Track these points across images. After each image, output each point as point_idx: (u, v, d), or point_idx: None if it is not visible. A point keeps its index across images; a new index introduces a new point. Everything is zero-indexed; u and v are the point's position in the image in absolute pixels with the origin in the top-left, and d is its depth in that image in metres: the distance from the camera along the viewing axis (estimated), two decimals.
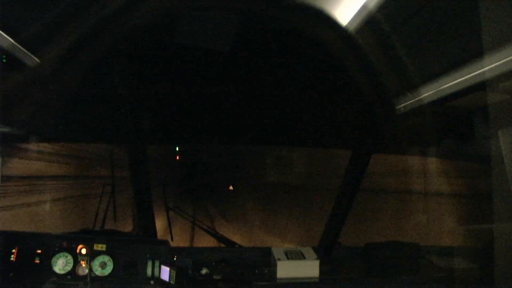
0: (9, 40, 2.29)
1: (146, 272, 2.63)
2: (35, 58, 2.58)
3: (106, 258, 2.61)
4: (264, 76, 3.44)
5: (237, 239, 3.62)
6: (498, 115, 2.34)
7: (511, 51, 2.01)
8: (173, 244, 2.91)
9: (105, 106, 3.40)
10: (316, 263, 2.79)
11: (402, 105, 3.03)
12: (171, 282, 2.55)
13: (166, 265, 2.60)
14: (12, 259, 2.53)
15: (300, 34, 2.93)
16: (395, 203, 4.96)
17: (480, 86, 2.32)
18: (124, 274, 2.62)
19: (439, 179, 4.04)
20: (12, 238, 2.61)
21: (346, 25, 2.57)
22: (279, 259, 2.76)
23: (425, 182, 4.05)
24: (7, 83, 2.57)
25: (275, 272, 2.75)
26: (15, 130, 3.22)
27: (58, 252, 2.59)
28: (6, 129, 2.99)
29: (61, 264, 2.56)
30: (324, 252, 3.17)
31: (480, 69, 2.24)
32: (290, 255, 2.82)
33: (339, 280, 2.92)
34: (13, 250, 2.54)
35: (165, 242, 2.77)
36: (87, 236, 2.76)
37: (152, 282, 2.61)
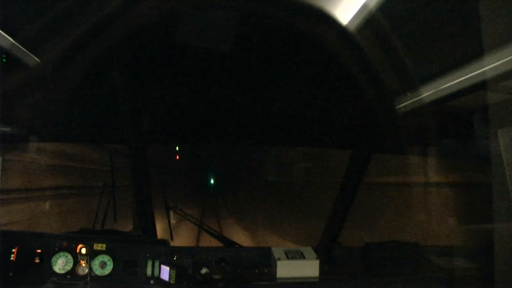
0: (9, 40, 2.29)
1: (146, 272, 2.62)
2: (35, 58, 2.58)
3: (106, 258, 2.61)
4: (264, 75, 3.44)
5: (237, 239, 3.62)
6: (498, 115, 2.34)
7: (511, 51, 2.01)
8: (173, 244, 2.90)
9: (105, 106, 3.40)
10: (316, 263, 2.78)
11: (402, 105, 3.03)
12: (171, 282, 2.55)
13: (166, 265, 2.60)
14: (12, 259, 2.53)
15: (301, 34, 2.93)
16: (394, 203, 4.96)
17: (480, 86, 2.32)
18: (124, 274, 2.62)
19: (438, 179, 4.03)
20: (12, 238, 2.61)
21: (346, 25, 2.57)
22: (279, 259, 2.75)
23: (425, 182, 4.05)
24: (7, 83, 2.57)
25: (275, 272, 2.75)
26: (15, 130, 3.23)
27: (58, 251, 2.59)
28: (6, 129, 2.99)
29: (61, 264, 2.56)
30: (324, 252, 3.17)
31: (480, 69, 2.24)
32: (290, 255, 2.82)
33: (339, 280, 2.92)
34: (13, 250, 2.54)
35: (165, 242, 2.76)
36: (87, 236, 2.75)
37: (152, 281, 2.61)
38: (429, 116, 3.05)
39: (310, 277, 2.75)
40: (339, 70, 3.18)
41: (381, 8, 2.36)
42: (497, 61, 2.08)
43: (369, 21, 2.47)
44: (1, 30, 2.20)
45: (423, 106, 2.87)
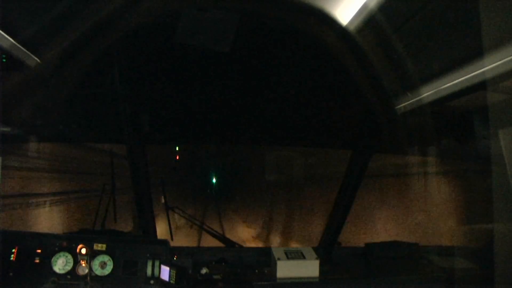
0: (9, 40, 2.29)
1: (146, 272, 2.63)
2: (35, 58, 2.58)
3: (106, 258, 2.61)
4: (265, 76, 3.44)
5: (237, 239, 3.62)
6: (498, 115, 2.34)
7: (511, 51, 2.01)
8: (173, 244, 2.90)
9: (105, 106, 3.40)
10: (316, 263, 2.79)
11: (402, 105, 3.03)
12: (171, 281, 2.55)
13: (166, 265, 2.61)
14: (12, 259, 2.53)
15: (301, 35, 2.93)
16: (394, 203, 4.96)
17: (480, 86, 2.32)
18: (124, 274, 2.62)
19: (438, 178, 4.04)
20: (12, 238, 2.61)
21: (346, 25, 2.57)
22: (279, 259, 2.76)
23: (424, 182, 4.05)
24: (7, 83, 2.57)
25: (275, 272, 2.75)
26: (15, 130, 3.22)
27: (58, 251, 2.60)
28: (6, 129, 2.99)
29: (61, 264, 2.56)
30: (324, 252, 3.17)
31: (480, 69, 2.24)
32: (290, 255, 2.82)
33: (339, 280, 2.92)
34: (13, 250, 2.54)
35: (165, 242, 2.77)
36: (87, 236, 2.76)
37: (152, 281, 2.61)
38: (429, 116, 3.05)
39: (310, 277, 2.75)
40: (339, 70, 3.18)
41: (381, 8, 2.36)
42: (497, 61, 2.08)
43: (369, 21, 2.47)
44: (1, 30, 2.20)
45: (423, 106, 2.87)
